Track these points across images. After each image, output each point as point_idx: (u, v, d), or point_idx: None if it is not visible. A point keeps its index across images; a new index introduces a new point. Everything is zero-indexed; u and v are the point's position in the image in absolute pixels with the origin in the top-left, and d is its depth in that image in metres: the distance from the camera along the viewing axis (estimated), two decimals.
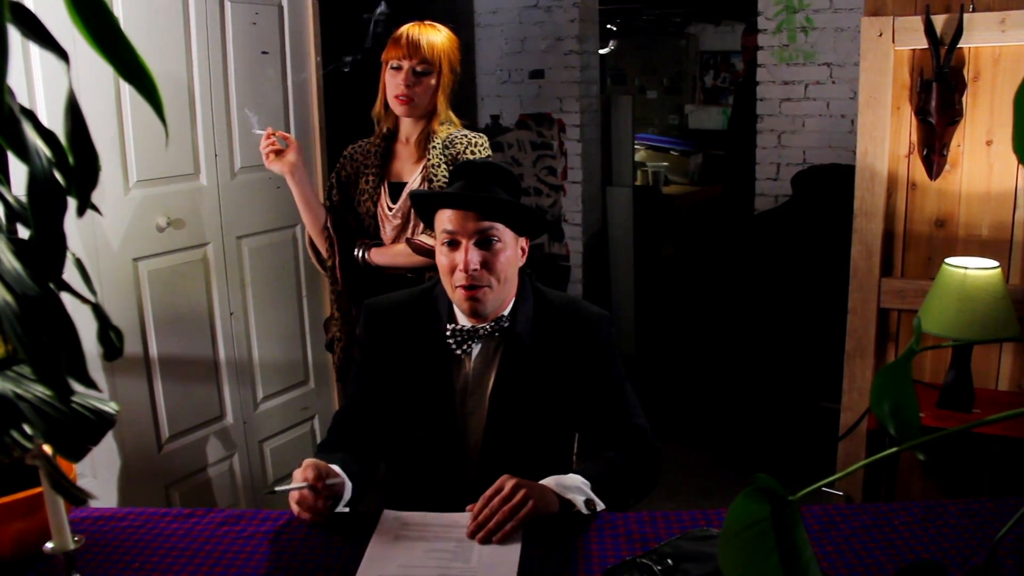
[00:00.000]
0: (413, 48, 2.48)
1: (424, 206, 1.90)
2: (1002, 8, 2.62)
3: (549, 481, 1.67)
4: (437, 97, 2.56)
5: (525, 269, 1.93)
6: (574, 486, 1.67)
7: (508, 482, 1.60)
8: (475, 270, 1.78)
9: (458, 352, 1.86)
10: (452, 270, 1.81)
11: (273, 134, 2.57)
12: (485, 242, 1.79)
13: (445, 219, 1.81)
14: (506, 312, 1.87)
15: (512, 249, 1.84)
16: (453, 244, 1.81)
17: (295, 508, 1.68)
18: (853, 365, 2.98)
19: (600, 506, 1.68)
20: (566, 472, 1.73)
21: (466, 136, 2.57)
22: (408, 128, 2.61)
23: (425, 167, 2.55)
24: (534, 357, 1.86)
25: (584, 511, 1.65)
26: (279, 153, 2.57)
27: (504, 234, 1.81)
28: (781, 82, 4.63)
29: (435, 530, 1.57)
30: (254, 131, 2.59)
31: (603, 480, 1.73)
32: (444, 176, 2.52)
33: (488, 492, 1.60)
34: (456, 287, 1.81)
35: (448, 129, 2.58)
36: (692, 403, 4.81)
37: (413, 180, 2.57)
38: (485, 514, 1.57)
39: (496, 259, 1.80)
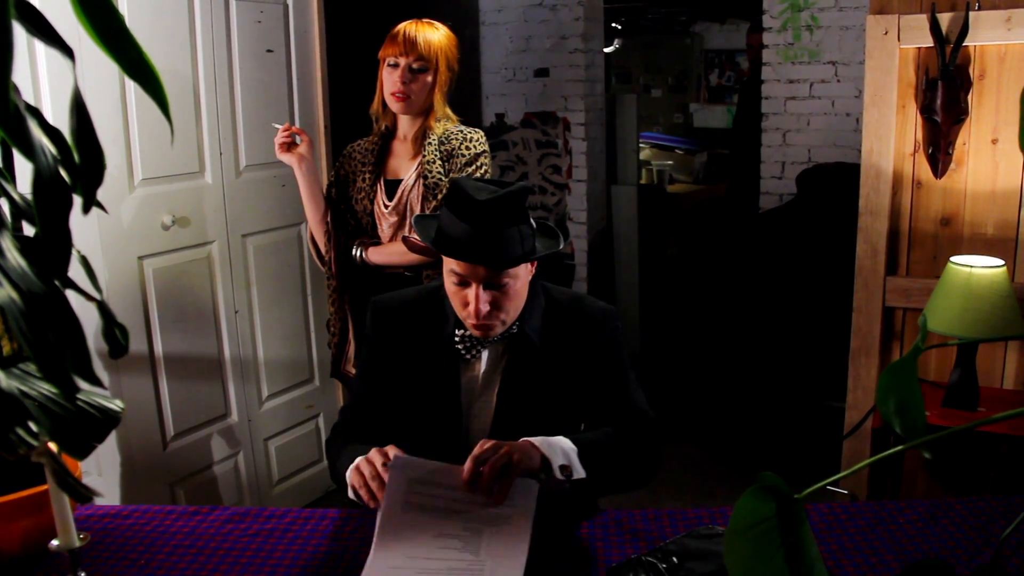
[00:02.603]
0: (410, 45, 2.49)
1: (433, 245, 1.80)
2: (1008, 6, 2.61)
3: (535, 439, 1.64)
4: (434, 94, 2.56)
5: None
6: (558, 447, 1.64)
7: (488, 443, 1.57)
8: (486, 313, 1.72)
9: (467, 356, 1.86)
10: (462, 304, 1.76)
11: (289, 128, 2.59)
12: (496, 284, 1.72)
13: (453, 261, 1.73)
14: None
15: (524, 279, 1.78)
16: (462, 283, 1.74)
17: (365, 492, 1.59)
18: (858, 364, 2.98)
19: (578, 474, 1.63)
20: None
21: (462, 132, 2.58)
22: (405, 125, 2.62)
23: (420, 163, 2.56)
24: (542, 356, 1.84)
25: (559, 476, 1.60)
26: (291, 146, 2.59)
27: (517, 271, 1.74)
28: (786, 81, 4.62)
29: (440, 516, 1.54)
30: (273, 124, 2.62)
31: (591, 448, 1.68)
32: (439, 172, 2.52)
33: (473, 455, 1.56)
34: (466, 317, 1.78)
35: (444, 125, 2.59)
36: (697, 401, 4.80)
37: (408, 177, 2.58)
38: (472, 471, 1.54)
39: (507, 298, 1.74)
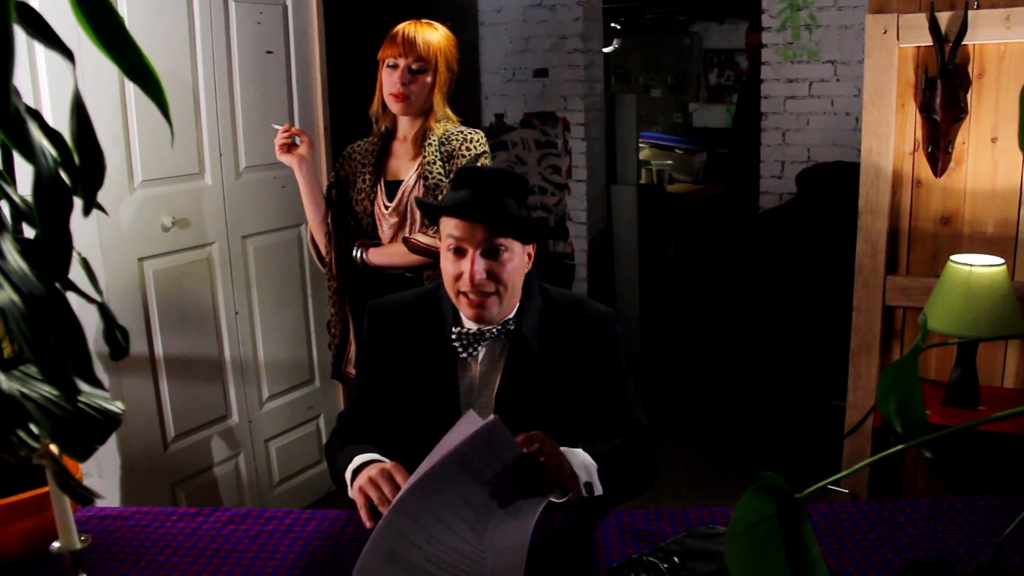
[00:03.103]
0: (409, 46, 2.49)
1: (431, 212, 1.87)
2: (1007, 5, 2.61)
3: (565, 451, 1.65)
4: (433, 95, 2.56)
5: (530, 271, 1.91)
6: (580, 463, 1.65)
7: (545, 437, 1.59)
8: (481, 280, 1.74)
9: (464, 355, 1.86)
10: (457, 277, 1.77)
11: (289, 129, 2.59)
12: (492, 252, 1.75)
13: (452, 225, 1.76)
14: (512, 315, 1.85)
15: (519, 258, 1.80)
16: (459, 252, 1.76)
17: (365, 514, 1.60)
18: (858, 363, 2.98)
19: (598, 491, 1.65)
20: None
21: (462, 132, 2.57)
22: (405, 126, 2.62)
23: (421, 164, 2.56)
24: (540, 357, 1.84)
25: (584, 493, 1.62)
26: (291, 147, 2.59)
27: (512, 244, 1.77)
28: (785, 80, 4.62)
29: (476, 480, 1.52)
30: (273, 125, 2.62)
31: (608, 464, 1.70)
32: (439, 173, 2.52)
33: (530, 434, 1.58)
34: (460, 293, 1.78)
35: (445, 126, 2.59)
36: (698, 401, 4.80)
37: (409, 178, 2.58)
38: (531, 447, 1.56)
39: (503, 268, 1.76)
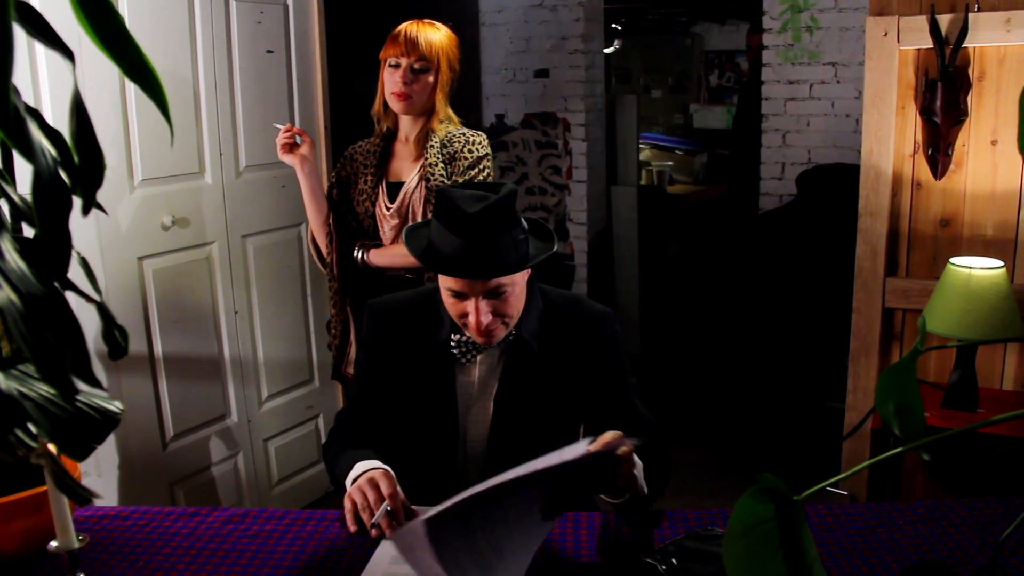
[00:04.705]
0: (411, 45, 2.49)
1: (425, 264, 1.77)
2: (1007, 8, 2.62)
3: None
4: (435, 95, 2.56)
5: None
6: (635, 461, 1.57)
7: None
8: (487, 322, 1.71)
9: (463, 361, 1.85)
10: (461, 315, 1.74)
11: (291, 129, 2.59)
12: (495, 293, 1.71)
13: (448, 277, 1.72)
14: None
15: (521, 281, 1.77)
16: (459, 295, 1.73)
17: (351, 519, 1.60)
18: (857, 365, 2.98)
19: (645, 490, 1.57)
20: None
21: (464, 134, 2.57)
22: (407, 127, 2.62)
23: (423, 166, 2.55)
24: (539, 360, 1.83)
25: (644, 490, 1.56)
26: (293, 147, 2.59)
27: (513, 276, 1.72)
28: (786, 81, 4.62)
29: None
30: (274, 125, 2.62)
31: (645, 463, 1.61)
32: (441, 175, 2.52)
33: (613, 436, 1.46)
34: (465, 327, 1.76)
35: (447, 127, 2.59)
36: (697, 402, 4.80)
37: (411, 179, 2.58)
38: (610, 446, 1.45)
39: (507, 304, 1.73)
